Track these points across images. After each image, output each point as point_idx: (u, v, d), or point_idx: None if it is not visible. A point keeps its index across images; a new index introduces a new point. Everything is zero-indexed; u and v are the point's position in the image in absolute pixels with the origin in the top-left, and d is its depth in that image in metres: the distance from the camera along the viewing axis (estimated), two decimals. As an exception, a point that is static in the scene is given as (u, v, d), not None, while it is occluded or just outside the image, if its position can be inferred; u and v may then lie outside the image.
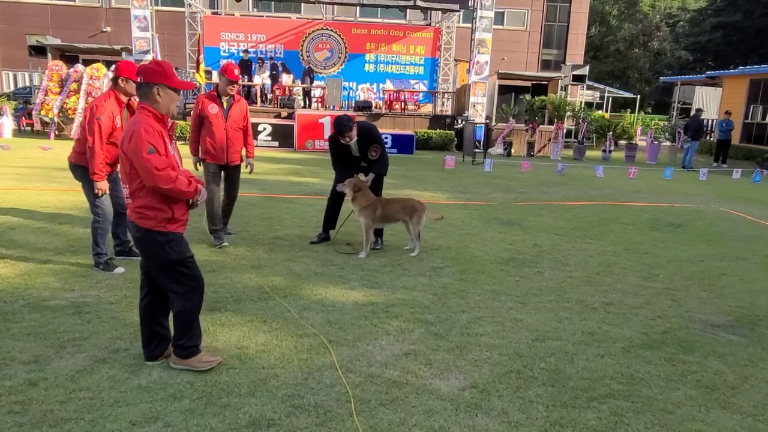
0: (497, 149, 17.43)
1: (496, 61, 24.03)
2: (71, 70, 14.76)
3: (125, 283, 4.49)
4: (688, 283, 5.17)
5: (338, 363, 3.30)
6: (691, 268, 5.70)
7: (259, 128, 15.19)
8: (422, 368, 3.28)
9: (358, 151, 5.91)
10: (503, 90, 21.78)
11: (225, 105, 5.55)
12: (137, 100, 4.83)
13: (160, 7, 17.96)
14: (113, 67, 4.72)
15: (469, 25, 19.27)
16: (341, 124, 5.65)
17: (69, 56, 17.69)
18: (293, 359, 3.34)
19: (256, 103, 17.87)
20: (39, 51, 17.36)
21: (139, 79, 3.02)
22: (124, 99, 4.59)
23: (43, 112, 14.82)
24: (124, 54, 16.93)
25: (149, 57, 16.29)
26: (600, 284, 5.02)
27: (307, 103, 18.58)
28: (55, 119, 14.78)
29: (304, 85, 18.68)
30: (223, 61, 17.14)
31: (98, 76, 14.45)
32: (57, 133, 14.93)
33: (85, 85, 14.40)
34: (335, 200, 6.02)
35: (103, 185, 4.57)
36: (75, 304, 4.03)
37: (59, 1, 26.14)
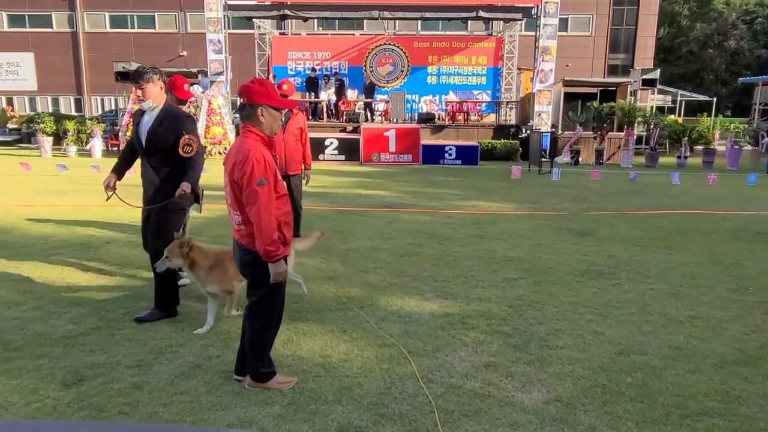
0: (564, 158, 17.03)
1: (561, 68, 23.54)
2: (153, 93, 15.75)
3: (212, 293, 4.74)
4: (783, 297, 4.87)
5: (419, 373, 3.35)
6: (785, 280, 5.36)
7: (326, 143, 15.59)
8: (503, 380, 3.28)
9: (149, 129, 4.03)
10: (569, 97, 21.28)
11: (283, 118, 5.92)
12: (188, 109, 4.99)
13: (232, 31, 18.87)
14: None
15: (532, 33, 19.03)
16: (139, 67, 4.16)
17: (150, 80, 18.86)
18: (375, 369, 3.42)
19: (323, 118, 18.37)
20: (124, 76, 18.66)
21: (242, 100, 2.99)
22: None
23: (128, 133, 15.92)
24: (200, 76, 17.90)
25: (222, 78, 17.14)
26: (684, 297, 4.81)
27: (369, 117, 18.91)
28: (139, 139, 15.79)
29: (368, 100, 19.05)
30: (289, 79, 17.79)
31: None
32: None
33: None
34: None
35: None
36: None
37: (141, 30, 28.09)
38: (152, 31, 28.13)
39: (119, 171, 4.24)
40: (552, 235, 7.08)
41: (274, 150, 3.09)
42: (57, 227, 7.08)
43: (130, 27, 28.18)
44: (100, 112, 26.40)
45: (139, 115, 4.15)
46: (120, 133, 16.50)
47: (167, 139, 4.01)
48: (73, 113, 24.94)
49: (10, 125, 22.04)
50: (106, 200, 4.22)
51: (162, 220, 4.11)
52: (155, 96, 4.03)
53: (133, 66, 19.54)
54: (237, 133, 17.11)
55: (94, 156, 16.19)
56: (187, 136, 4.04)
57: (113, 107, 25.01)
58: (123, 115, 16.90)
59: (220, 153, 15.78)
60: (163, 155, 4.05)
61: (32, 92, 28.51)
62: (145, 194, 4.13)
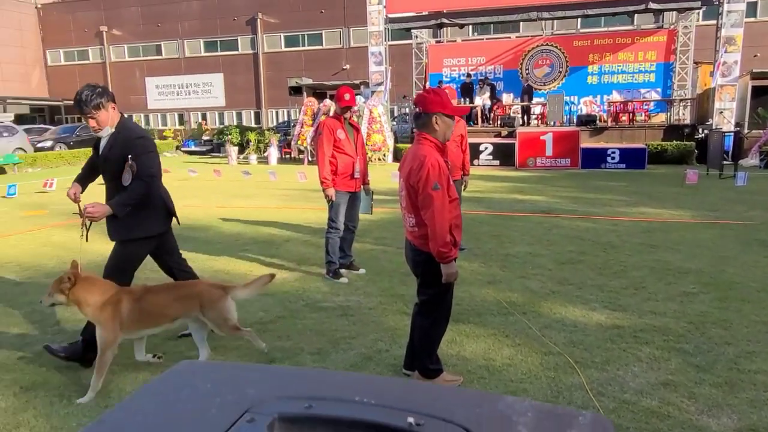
0: (751, 160, 15.04)
1: (749, 60, 20.79)
2: (321, 104, 17.17)
3: (379, 291, 5.06)
4: None
5: (587, 385, 3.26)
6: None
7: (480, 148, 15.58)
8: (685, 401, 3.06)
9: (101, 155, 3.67)
10: (758, 92, 18.65)
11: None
12: (350, 116, 5.23)
13: (391, 42, 19.79)
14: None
15: (713, 22, 17.10)
16: (80, 94, 3.47)
17: (319, 93, 20.54)
18: (540, 376, 3.40)
19: (477, 123, 18.37)
20: (296, 90, 20.57)
21: (418, 109, 3.16)
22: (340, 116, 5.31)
23: (299, 142, 17.52)
24: (362, 87, 19.02)
25: (382, 88, 18.02)
26: None
27: (526, 120, 18.48)
28: (309, 147, 17.37)
29: (523, 103, 18.64)
30: (451, 86, 18.13)
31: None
32: (310, 159, 17.52)
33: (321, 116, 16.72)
34: None
35: (329, 192, 5.22)
36: (342, 307, 4.68)
37: (310, 47, 30.77)
38: (320, 47, 30.63)
39: (82, 182, 3.83)
40: (738, 247, 6.35)
41: (446, 156, 3.23)
42: (245, 226, 8.06)
43: (301, 45, 31.03)
44: (275, 123, 29.37)
45: (97, 141, 3.72)
46: (292, 143, 18.23)
47: (118, 166, 3.54)
48: (253, 125, 28.10)
49: (205, 137, 25.64)
50: (74, 213, 3.92)
51: (114, 251, 3.71)
52: (111, 120, 3.56)
53: (305, 80, 21.41)
54: (395, 140, 17.88)
55: (271, 163, 18.07)
56: (130, 162, 3.49)
57: (286, 118, 27.71)
58: (295, 126, 18.62)
59: (379, 159, 16.60)
60: (118, 183, 3.58)
61: (221, 108, 32.69)
62: (106, 221, 3.63)
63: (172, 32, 32.76)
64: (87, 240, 3.55)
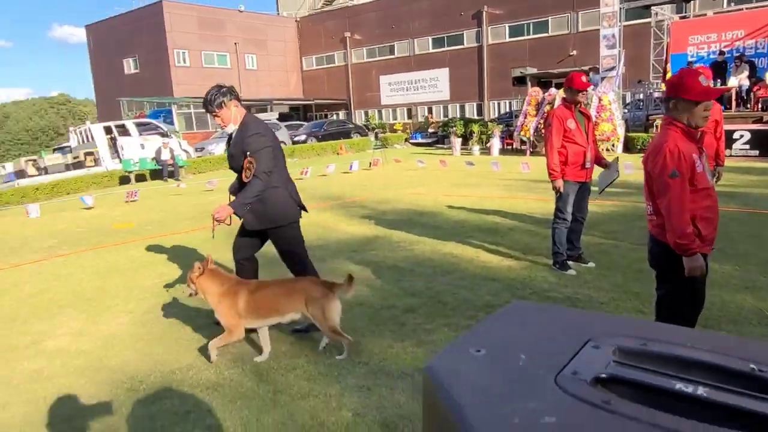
0: None
1: None
2: (546, 93, 16.72)
3: (610, 286, 4.86)
4: None
5: None
6: None
7: (735, 135, 13.54)
8: None
9: (227, 152, 4.09)
10: None
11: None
12: (581, 103, 5.07)
13: (625, 22, 18.21)
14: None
15: None
16: (207, 94, 3.85)
17: (544, 82, 20.01)
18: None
19: (730, 108, 15.93)
20: (520, 81, 20.39)
21: (665, 93, 3.03)
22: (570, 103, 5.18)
23: (522, 133, 17.38)
24: (591, 73, 17.95)
25: (613, 74, 16.77)
26: None
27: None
28: (531, 138, 17.11)
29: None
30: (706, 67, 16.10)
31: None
32: (532, 150, 17.26)
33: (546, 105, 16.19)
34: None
35: (557, 183, 5.12)
36: (570, 299, 4.62)
37: (535, 36, 30.05)
38: (545, 35, 29.66)
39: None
40: None
41: (702, 142, 2.98)
42: (469, 214, 8.41)
43: (526, 34, 30.45)
44: (496, 114, 29.49)
45: (229, 137, 4.02)
46: (515, 133, 18.15)
47: (239, 161, 3.83)
48: (475, 117, 28.64)
49: (430, 129, 27.18)
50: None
51: (275, 240, 4.07)
52: (234, 117, 3.85)
53: (529, 70, 21.07)
54: (626, 129, 16.51)
55: (493, 154, 18.28)
56: (248, 159, 3.72)
57: (508, 110, 27.61)
58: (517, 117, 18.51)
59: (607, 150, 15.56)
60: (241, 177, 3.89)
61: (445, 101, 34.08)
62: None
63: (404, 32, 35.07)
64: (213, 236, 4.24)
